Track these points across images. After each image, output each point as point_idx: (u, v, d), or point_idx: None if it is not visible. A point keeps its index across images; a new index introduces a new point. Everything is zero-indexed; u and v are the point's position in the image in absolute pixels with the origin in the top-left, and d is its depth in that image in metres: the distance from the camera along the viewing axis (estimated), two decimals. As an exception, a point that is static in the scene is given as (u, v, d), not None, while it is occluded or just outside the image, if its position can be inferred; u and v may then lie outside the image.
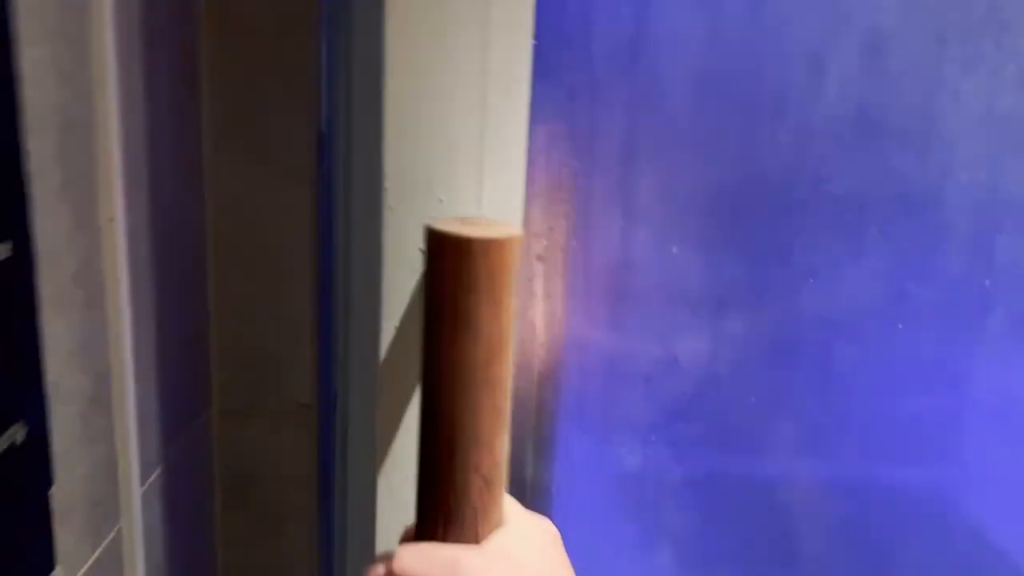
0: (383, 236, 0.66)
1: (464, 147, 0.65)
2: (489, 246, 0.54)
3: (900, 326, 0.79)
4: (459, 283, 0.54)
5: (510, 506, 0.64)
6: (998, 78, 0.74)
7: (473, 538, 0.59)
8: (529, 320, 0.82)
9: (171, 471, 0.70)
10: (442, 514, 0.60)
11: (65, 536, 0.52)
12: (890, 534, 0.85)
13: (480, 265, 0.54)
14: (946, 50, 0.74)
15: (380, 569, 0.59)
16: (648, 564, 0.92)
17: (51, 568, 0.50)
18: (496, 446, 0.59)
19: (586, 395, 0.86)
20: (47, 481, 0.49)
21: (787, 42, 0.75)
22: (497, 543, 0.59)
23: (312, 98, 0.74)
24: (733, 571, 0.89)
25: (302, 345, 0.79)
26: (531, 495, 0.89)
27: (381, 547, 0.86)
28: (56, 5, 0.48)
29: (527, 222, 0.77)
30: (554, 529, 0.65)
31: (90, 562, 0.56)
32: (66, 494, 0.52)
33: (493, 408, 0.57)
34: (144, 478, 0.64)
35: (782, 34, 0.74)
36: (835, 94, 0.75)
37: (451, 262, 0.55)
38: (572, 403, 0.86)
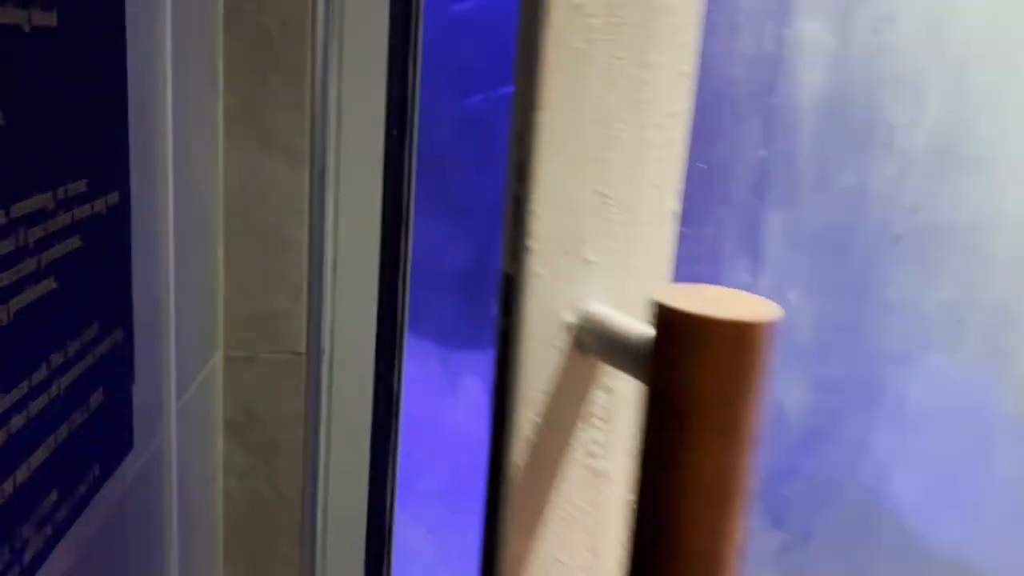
0: (526, 308, 0.55)
1: (616, 194, 0.56)
2: (767, 331, 0.45)
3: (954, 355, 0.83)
4: (731, 379, 0.45)
5: None
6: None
7: None
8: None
9: (190, 403, 0.88)
10: None
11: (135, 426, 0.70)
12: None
13: (757, 356, 0.45)
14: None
15: None
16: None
17: (131, 447, 0.68)
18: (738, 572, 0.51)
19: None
20: (131, 377, 0.67)
21: (884, 73, 0.77)
22: None
23: (310, 94, 0.92)
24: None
25: (298, 303, 0.97)
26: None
27: (360, 483, 1.04)
28: (142, 19, 0.66)
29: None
30: None
31: (149, 452, 0.74)
32: (137, 394, 0.70)
33: (743, 529, 0.48)
34: (177, 398, 0.82)
35: (880, 65, 0.77)
36: (929, 124, 0.78)
37: (718, 353, 0.45)
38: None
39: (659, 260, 0.59)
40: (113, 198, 0.61)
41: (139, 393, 0.69)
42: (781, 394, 0.83)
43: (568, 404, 0.57)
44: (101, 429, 0.62)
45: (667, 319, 0.46)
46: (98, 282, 0.59)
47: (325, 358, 1.00)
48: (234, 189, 0.93)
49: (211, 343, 0.94)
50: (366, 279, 1.00)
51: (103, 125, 0.58)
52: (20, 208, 0.48)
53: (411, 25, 1.01)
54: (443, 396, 2.96)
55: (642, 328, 0.50)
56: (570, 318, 0.55)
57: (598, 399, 0.57)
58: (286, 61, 0.91)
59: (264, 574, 1.02)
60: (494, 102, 3.39)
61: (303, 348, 0.98)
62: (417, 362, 3.13)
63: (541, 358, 0.57)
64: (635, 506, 0.49)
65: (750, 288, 0.75)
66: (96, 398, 0.60)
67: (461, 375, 3.05)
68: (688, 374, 0.46)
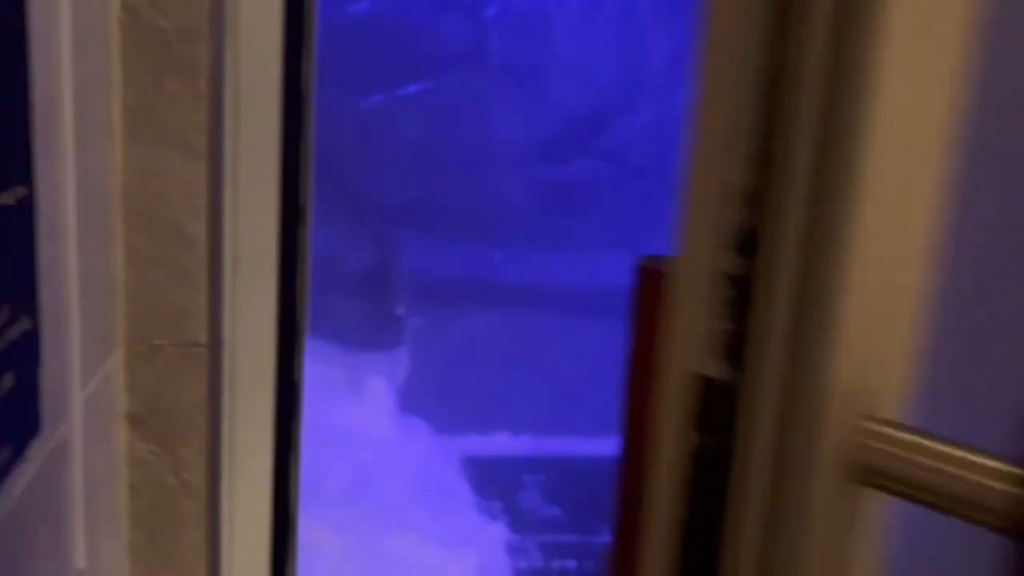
0: (819, 440, 0.41)
1: (887, 271, 0.42)
2: None
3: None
4: None
5: None
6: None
7: None
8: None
9: (94, 394, 0.92)
10: None
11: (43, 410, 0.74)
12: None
13: None
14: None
15: None
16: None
17: (38, 429, 0.72)
18: None
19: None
20: (39, 363, 0.71)
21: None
22: None
23: (207, 92, 0.97)
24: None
25: (198, 296, 1.01)
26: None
27: (264, 471, 1.09)
28: (42, 25, 0.71)
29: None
30: None
31: (56, 437, 0.78)
32: (44, 380, 0.74)
33: None
34: (82, 388, 0.86)
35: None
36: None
37: None
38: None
39: (912, 349, 0.45)
40: (20, 191, 0.65)
41: (46, 379, 0.73)
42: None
43: (838, 549, 0.44)
44: (11, 411, 0.66)
45: None
46: (7, 271, 0.64)
47: (227, 350, 1.05)
48: (133, 185, 0.97)
49: (113, 336, 0.98)
50: (266, 271, 1.05)
51: (10, 124, 0.63)
52: (-64, 198, 0.53)
53: (304, 23, 1.06)
54: (347, 397, 3.01)
55: (986, 459, 0.39)
56: (861, 440, 0.40)
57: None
58: (182, 60, 0.96)
59: (170, 562, 1.06)
60: (394, 102, 3.44)
61: (204, 340, 1.03)
62: (321, 364, 3.17)
63: (825, 500, 0.42)
64: None
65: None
66: (7, 381, 0.65)
67: (364, 376, 3.10)
68: None
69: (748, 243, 0.38)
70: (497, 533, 2.52)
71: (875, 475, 0.41)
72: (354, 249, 3.08)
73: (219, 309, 1.04)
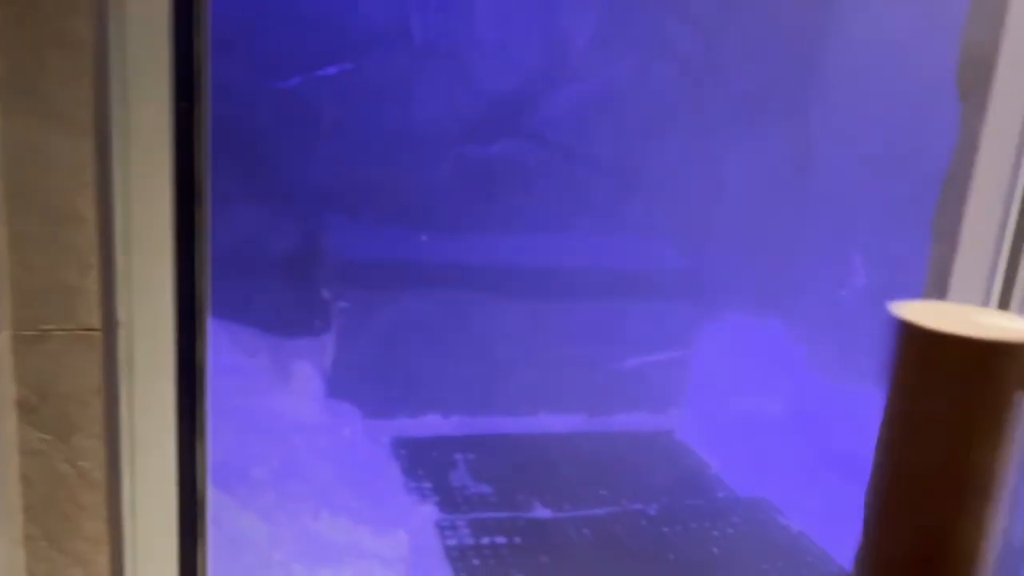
0: None
1: None
2: None
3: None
4: None
5: None
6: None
7: None
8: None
9: (-23, 380, 0.87)
10: None
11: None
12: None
13: None
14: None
15: None
16: None
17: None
18: None
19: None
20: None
21: None
22: None
23: (91, 64, 0.92)
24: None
25: (89, 278, 0.96)
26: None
27: (168, 457, 1.05)
28: None
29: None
30: None
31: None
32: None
33: None
34: (-41, 376, 0.81)
35: None
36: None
37: None
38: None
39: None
40: None
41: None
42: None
43: None
44: None
45: None
46: None
47: (122, 333, 1.00)
48: (12, 161, 0.92)
49: (-3, 321, 0.93)
50: (161, 251, 1.00)
51: None
52: None
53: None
54: (274, 383, 2.94)
55: None
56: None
57: None
58: (62, 30, 0.90)
59: (69, 555, 1.01)
60: (314, 84, 3.37)
61: (98, 324, 0.98)
62: (247, 351, 3.09)
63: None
64: None
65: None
66: None
67: (292, 361, 3.03)
68: None
69: None
70: (427, 513, 2.49)
71: None
72: (278, 233, 3.01)
73: (112, 291, 0.98)
